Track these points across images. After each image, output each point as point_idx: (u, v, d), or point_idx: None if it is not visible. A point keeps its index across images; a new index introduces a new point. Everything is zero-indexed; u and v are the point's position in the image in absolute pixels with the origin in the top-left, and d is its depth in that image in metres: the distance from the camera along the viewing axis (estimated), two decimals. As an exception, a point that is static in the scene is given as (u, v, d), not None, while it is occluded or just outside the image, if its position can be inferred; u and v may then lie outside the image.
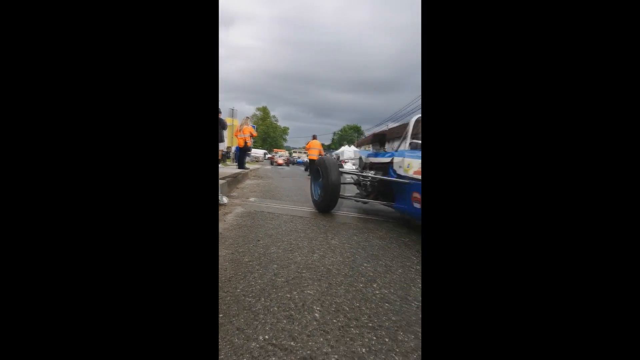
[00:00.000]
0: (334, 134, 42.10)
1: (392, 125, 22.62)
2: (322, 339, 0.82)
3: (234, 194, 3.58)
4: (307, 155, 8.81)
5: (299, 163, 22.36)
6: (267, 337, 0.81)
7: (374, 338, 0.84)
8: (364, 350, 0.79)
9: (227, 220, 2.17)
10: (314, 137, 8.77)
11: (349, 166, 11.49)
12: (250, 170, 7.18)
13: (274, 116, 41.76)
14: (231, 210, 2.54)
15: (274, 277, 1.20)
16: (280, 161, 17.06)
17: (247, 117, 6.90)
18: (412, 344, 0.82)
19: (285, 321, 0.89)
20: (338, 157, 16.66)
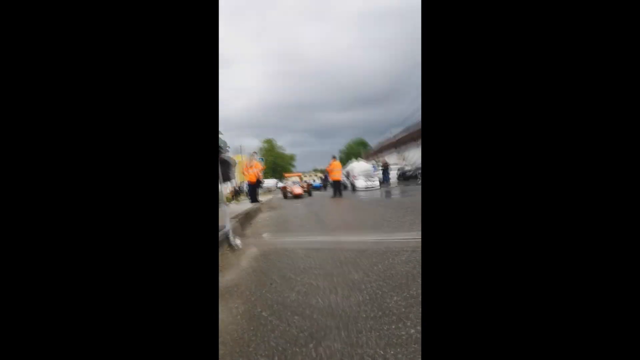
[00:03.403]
0: (340, 152, 42.47)
1: (396, 131, 22.57)
2: None
3: (247, 231, 3.51)
4: (330, 177, 9.81)
5: (316, 187, 16.57)
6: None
7: None
8: None
9: (240, 265, 2.07)
10: (334, 158, 8.97)
11: (360, 183, 11.35)
12: (263, 203, 7.19)
13: (280, 146, 43.01)
14: (244, 252, 2.45)
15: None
16: (298, 191, 10.05)
17: (254, 152, 7.08)
18: None
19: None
20: (348, 174, 16.52)
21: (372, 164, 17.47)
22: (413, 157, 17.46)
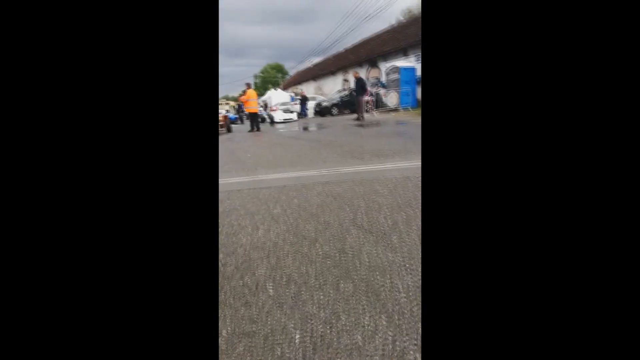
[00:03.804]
0: (255, 77, 38.11)
1: (316, 60, 21.57)
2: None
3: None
4: (245, 108, 8.42)
5: (232, 120, 12.25)
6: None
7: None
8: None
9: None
10: (249, 87, 7.98)
11: (279, 115, 11.01)
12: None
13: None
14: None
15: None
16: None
17: None
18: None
19: (242, 309, 0.96)
20: (266, 105, 15.52)
21: (291, 95, 16.80)
22: (330, 89, 17.61)
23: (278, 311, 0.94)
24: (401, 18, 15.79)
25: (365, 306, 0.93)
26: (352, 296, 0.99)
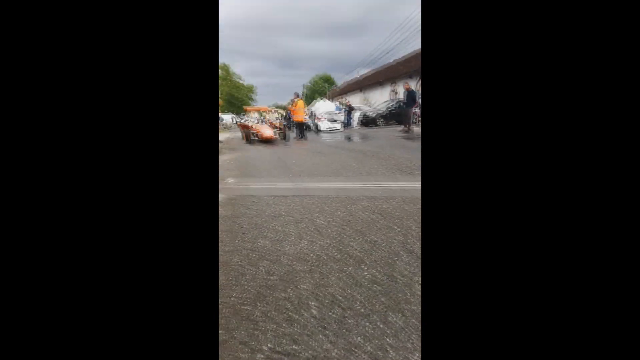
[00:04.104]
0: (304, 87, 39.76)
1: (364, 72, 21.64)
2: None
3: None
4: (294, 117, 8.51)
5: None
6: (270, 345, 0.85)
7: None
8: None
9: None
10: (297, 96, 8.38)
11: (324, 124, 11.21)
12: (222, 142, 6.78)
13: (234, 73, 37.95)
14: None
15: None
16: (268, 133, 7.02)
17: None
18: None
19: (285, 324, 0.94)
20: (312, 113, 15.99)
21: (337, 105, 17.05)
22: (375, 101, 17.40)
23: (321, 334, 0.89)
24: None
25: (416, 344, 0.82)
26: (402, 331, 0.88)
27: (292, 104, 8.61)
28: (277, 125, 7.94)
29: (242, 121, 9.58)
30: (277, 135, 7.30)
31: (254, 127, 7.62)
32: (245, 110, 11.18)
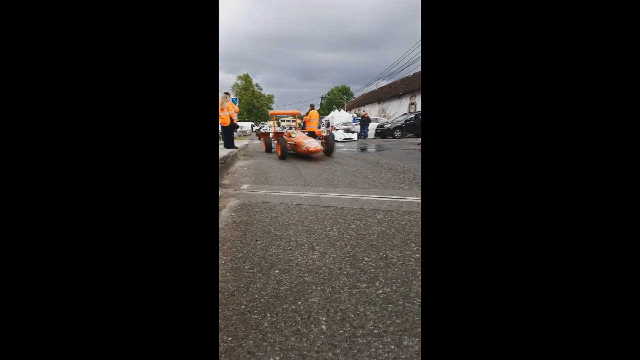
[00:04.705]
0: (322, 98, 40.40)
1: (382, 84, 21.73)
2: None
3: (225, 181, 3.49)
4: (307, 127, 8.52)
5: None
6: None
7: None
8: None
9: (222, 216, 2.12)
10: (312, 107, 8.54)
11: (339, 134, 11.26)
12: (239, 149, 6.96)
13: (257, 84, 39.38)
14: (225, 203, 2.49)
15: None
16: (315, 146, 4.96)
17: (227, 93, 6.41)
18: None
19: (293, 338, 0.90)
20: (328, 124, 16.14)
21: (353, 116, 17.15)
22: (393, 112, 17.32)
23: (330, 352, 0.85)
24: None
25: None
26: (418, 356, 0.82)
27: (306, 115, 8.75)
28: (323, 136, 5.72)
29: (265, 129, 8.87)
30: (322, 149, 5.28)
31: (296, 137, 5.34)
32: (271, 115, 8.36)
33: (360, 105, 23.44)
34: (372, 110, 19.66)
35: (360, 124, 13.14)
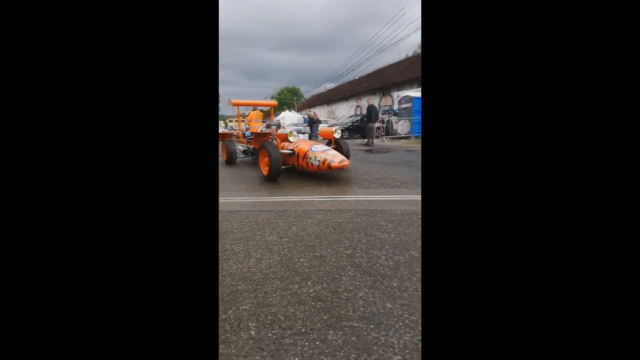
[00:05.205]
0: (272, 97, 39.78)
1: (330, 86, 22.45)
2: None
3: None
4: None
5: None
6: None
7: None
8: None
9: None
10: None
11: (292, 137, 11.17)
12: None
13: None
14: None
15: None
16: (340, 161, 2.93)
17: None
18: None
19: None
20: (279, 125, 15.90)
21: (304, 117, 17.31)
22: (341, 115, 18.06)
23: (258, 355, 0.86)
24: (417, 50, 16.44)
25: (353, 361, 0.84)
26: (341, 349, 0.90)
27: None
28: (330, 135, 3.94)
29: (229, 130, 5.56)
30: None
31: (293, 143, 3.46)
32: (235, 106, 5.56)
33: (311, 107, 23.82)
34: (321, 112, 20.16)
35: (309, 125, 13.35)
